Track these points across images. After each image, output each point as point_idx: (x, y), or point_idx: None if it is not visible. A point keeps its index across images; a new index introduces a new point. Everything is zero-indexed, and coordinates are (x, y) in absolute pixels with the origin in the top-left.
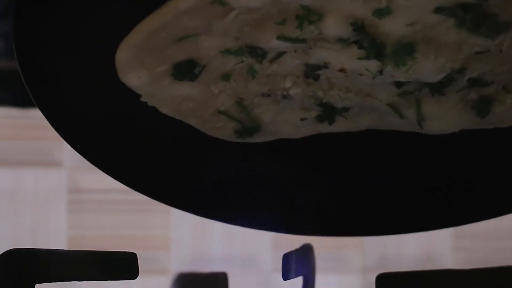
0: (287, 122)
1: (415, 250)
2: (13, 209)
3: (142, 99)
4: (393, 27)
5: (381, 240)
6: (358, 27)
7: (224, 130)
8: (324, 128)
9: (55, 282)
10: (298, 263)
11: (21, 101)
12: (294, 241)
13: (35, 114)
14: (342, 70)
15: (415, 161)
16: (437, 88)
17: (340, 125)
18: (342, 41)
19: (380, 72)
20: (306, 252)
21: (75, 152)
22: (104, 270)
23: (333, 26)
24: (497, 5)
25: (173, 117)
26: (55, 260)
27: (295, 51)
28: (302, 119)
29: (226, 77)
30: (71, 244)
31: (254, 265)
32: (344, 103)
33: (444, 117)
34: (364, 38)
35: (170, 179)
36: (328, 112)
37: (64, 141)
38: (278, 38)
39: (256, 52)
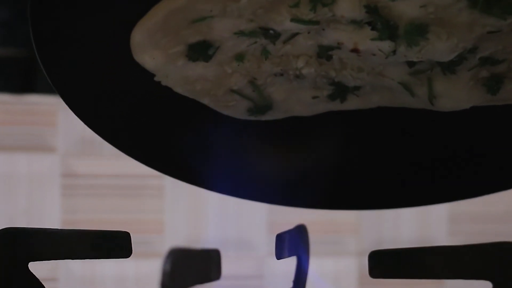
0: (299, 100)
1: (411, 234)
2: (7, 193)
3: (156, 79)
4: (406, 9)
5: (377, 224)
6: (371, 9)
7: (236, 109)
8: (336, 106)
9: (49, 260)
10: (292, 243)
11: (15, 87)
12: (289, 225)
13: (29, 100)
14: (354, 50)
15: (422, 137)
16: (449, 67)
17: (351, 103)
18: (355, 23)
19: (393, 52)
20: (299, 232)
21: (68, 138)
22: (97, 249)
23: (346, 9)
24: None
25: (187, 96)
26: (48, 238)
27: (308, 32)
28: (314, 98)
29: (239, 57)
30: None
31: (248, 248)
32: (356, 82)
33: (456, 95)
34: (377, 19)
35: (182, 154)
36: (340, 90)
37: (57, 127)
38: (292, 20)
39: (269, 34)
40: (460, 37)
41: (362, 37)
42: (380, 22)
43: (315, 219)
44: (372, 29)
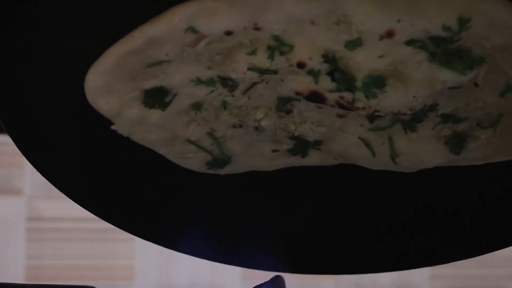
0: (259, 154)
1: (391, 277)
2: None
3: (113, 128)
4: (364, 60)
5: None
6: (330, 59)
7: (194, 161)
8: (297, 161)
9: None
10: None
11: None
12: (264, 272)
13: None
14: (311, 98)
15: (386, 197)
16: (410, 124)
17: (313, 159)
18: (313, 73)
19: (352, 105)
20: (276, 285)
21: (35, 180)
22: None
23: (304, 58)
24: (469, 40)
25: (143, 145)
26: None
27: (267, 82)
28: (274, 151)
29: (197, 106)
30: (29, 274)
31: None
32: (316, 137)
33: (417, 153)
34: (336, 70)
35: (139, 208)
36: (301, 145)
37: (24, 169)
38: (249, 68)
39: (227, 83)
40: (419, 92)
41: (320, 88)
42: (338, 73)
43: None
44: (332, 80)
